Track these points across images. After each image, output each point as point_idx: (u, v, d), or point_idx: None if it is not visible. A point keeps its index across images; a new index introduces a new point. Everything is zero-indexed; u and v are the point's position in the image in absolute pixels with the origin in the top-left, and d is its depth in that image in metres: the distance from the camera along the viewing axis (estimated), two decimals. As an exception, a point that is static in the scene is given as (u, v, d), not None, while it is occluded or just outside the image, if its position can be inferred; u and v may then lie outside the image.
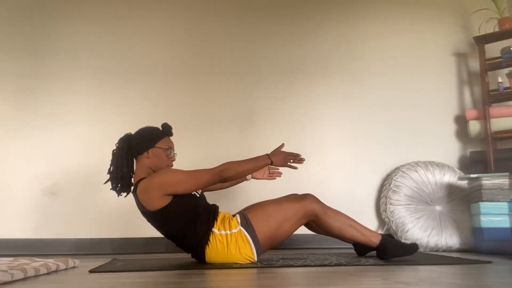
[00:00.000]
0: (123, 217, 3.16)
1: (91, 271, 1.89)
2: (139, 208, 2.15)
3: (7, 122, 3.21)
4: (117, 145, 2.21)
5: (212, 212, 2.14)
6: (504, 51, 3.17)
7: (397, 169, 3.27)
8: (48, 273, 1.83)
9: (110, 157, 2.12)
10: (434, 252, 2.88)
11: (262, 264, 2.06)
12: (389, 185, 3.18)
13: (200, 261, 2.17)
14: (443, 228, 3.01)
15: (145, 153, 2.17)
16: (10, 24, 3.32)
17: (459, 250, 2.94)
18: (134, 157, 2.20)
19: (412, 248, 2.21)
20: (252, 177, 2.48)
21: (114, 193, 3.20)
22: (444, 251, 2.95)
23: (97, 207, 3.15)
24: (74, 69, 3.30)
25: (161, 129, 2.25)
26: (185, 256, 2.67)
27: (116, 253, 3.04)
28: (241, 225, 2.08)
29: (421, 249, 2.99)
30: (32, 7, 3.36)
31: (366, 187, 3.35)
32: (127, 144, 2.18)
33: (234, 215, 2.19)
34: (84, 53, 3.33)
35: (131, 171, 2.20)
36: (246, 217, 2.11)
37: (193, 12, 3.47)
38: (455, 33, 3.56)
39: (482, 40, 3.28)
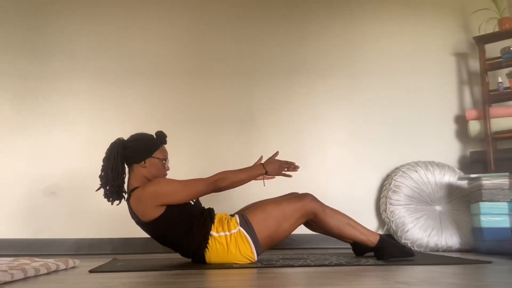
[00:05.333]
0: (123, 217, 3.14)
1: (91, 271, 1.89)
2: (133, 218, 2.12)
3: (7, 122, 3.21)
4: (109, 150, 2.14)
5: (208, 216, 2.13)
6: (504, 51, 3.17)
7: (397, 169, 3.27)
8: (48, 273, 1.83)
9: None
10: (434, 252, 2.88)
11: (262, 264, 2.06)
12: (389, 185, 3.18)
13: (200, 263, 2.17)
14: (443, 228, 3.01)
15: (142, 162, 2.12)
16: (10, 25, 3.32)
17: (459, 250, 2.94)
18: (128, 165, 2.15)
19: (409, 252, 2.20)
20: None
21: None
22: (444, 251, 2.95)
23: (97, 207, 3.13)
24: (74, 69, 3.30)
25: (155, 137, 2.20)
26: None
27: (116, 253, 3.04)
28: (240, 225, 2.08)
29: (421, 249, 2.99)
30: (32, 7, 3.36)
31: (366, 187, 3.35)
32: (121, 151, 2.12)
33: (232, 215, 2.20)
34: (84, 53, 3.33)
35: (124, 178, 2.15)
36: (245, 217, 2.11)
37: (193, 12, 3.47)
38: (455, 33, 3.56)
39: (482, 40, 3.28)
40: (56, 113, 3.24)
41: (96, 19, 3.39)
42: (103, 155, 2.14)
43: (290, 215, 2.10)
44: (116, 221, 3.14)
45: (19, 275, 1.61)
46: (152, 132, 2.23)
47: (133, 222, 3.22)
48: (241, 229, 2.08)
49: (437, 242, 2.96)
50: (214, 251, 2.07)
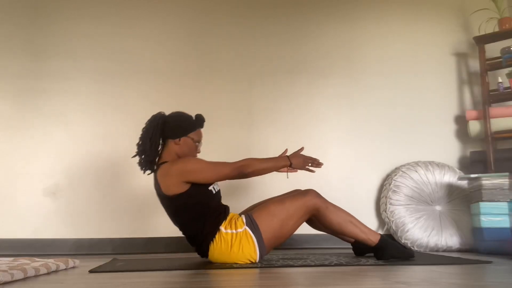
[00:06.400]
0: (123, 217, 3.17)
1: (91, 271, 1.89)
2: (156, 189, 2.18)
3: (7, 122, 3.21)
4: (149, 121, 2.22)
5: (223, 211, 2.18)
6: (504, 51, 3.17)
7: (397, 169, 3.27)
8: (48, 273, 1.83)
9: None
10: (434, 252, 2.88)
11: (262, 264, 2.06)
12: (389, 185, 3.18)
13: (202, 256, 2.20)
14: (443, 228, 3.01)
15: (177, 139, 2.19)
16: (11, 25, 3.32)
17: (459, 250, 2.94)
18: (164, 139, 2.23)
19: (409, 252, 2.21)
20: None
21: (114, 193, 3.22)
22: (444, 251, 2.95)
23: (97, 207, 3.15)
24: (74, 69, 3.30)
25: (194, 119, 2.27)
26: (185, 256, 2.68)
27: (116, 253, 3.04)
28: (247, 225, 2.10)
29: (421, 249, 2.99)
30: (32, 7, 3.36)
31: (366, 187, 3.35)
32: (161, 124, 2.19)
33: (239, 215, 2.21)
34: (84, 53, 3.33)
35: (158, 149, 2.21)
36: (251, 217, 2.13)
37: (192, 12, 3.47)
38: (455, 33, 3.56)
39: (482, 40, 3.28)
40: (56, 113, 3.24)
41: (96, 19, 3.39)
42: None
43: (294, 213, 2.12)
44: (116, 221, 3.15)
45: (19, 275, 1.61)
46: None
47: (133, 222, 3.24)
48: (247, 228, 2.10)
49: (437, 242, 2.96)
50: (218, 247, 2.09)
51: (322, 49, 3.49)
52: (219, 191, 2.24)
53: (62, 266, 2.00)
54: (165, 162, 2.16)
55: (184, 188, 2.08)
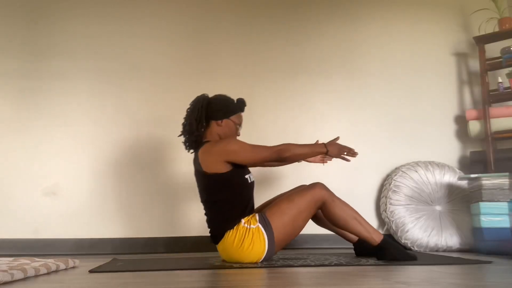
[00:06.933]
0: (123, 217, 3.17)
1: (91, 271, 1.89)
2: (195, 166, 2.23)
3: (8, 122, 3.21)
4: (194, 102, 2.27)
5: (251, 207, 2.22)
6: (504, 51, 3.17)
7: (397, 169, 3.27)
8: (48, 273, 1.83)
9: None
10: (434, 252, 2.88)
11: (262, 264, 2.06)
12: (389, 185, 3.18)
13: (213, 241, 2.21)
14: (443, 228, 3.01)
15: (219, 120, 2.26)
16: (11, 25, 3.32)
17: (459, 250, 2.94)
18: (206, 120, 2.28)
19: (412, 256, 2.19)
20: (304, 160, 2.54)
21: (114, 193, 3.22)
22: (444, 251, 2.95)
23: (97, 207, 3.15)
24: (74, 69, 3.30)
25: (236, 103, 2.32)
26: (185, 257, 2.68)
27: (116, 253, 3.04)
28: (259, 222, 2.13)
29: (421, 249, 2.99)
30: (32, 7, 3.36)
31: (366, 187, 3.35)
32: (206, 105, 2.26)
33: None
34: (84, 53, 3.33)
35: (202, 129, 2.27)
36: (264, 215, 2.15)
37: (193, 11, 3.47)
38: (455, 33, 3.56)
39: (482, 40, 3.28)
40: (56, 113, 3.24)
41: (96, 19, 3.39)
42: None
43: (304, 208, 2.15)
44: (116, 221, 3.15)
45: (19, 275, 1.61)
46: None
47: (133, 222, 3.23)
48: (260, 225, 2.11)
49: (437, 242, 2.96)
50: (232, 238, 2.10)
51: (322, 49, 3.48)
52: (253, 182, 2.26)
53: (62, 266, 2.00)
54: (208, 141, 2.22)
55: (223, 169, 2.13)
